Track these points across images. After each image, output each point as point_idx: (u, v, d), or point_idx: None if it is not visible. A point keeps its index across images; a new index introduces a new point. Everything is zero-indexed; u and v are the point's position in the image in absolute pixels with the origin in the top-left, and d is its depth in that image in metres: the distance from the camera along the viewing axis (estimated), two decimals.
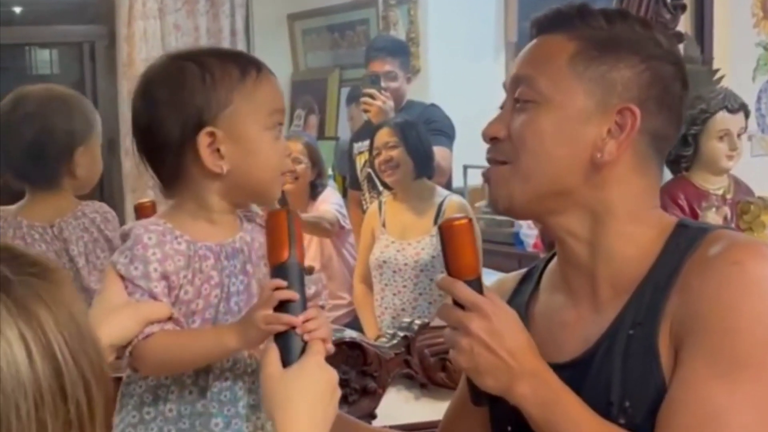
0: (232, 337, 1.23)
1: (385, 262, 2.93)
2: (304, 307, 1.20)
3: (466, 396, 1.38)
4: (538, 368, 1.19)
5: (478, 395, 1.25)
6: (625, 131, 1.20)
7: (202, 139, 1.28)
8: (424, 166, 3.00)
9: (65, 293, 0.80)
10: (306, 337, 1.18)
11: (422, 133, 3.07)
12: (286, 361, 1.16)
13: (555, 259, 1.34)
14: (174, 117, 1.28)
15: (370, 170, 3.28)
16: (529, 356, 1.19)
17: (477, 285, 1.22)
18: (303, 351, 1.17)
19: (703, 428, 1.10)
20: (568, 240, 1.26)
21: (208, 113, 1.28)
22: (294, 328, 1.18)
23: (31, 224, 2.01)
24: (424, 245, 2.88)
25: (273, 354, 1.17)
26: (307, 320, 1.19)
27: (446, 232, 1.23)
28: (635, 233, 1.23)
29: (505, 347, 1.18)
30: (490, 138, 1.27)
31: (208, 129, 1.28)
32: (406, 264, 2.88)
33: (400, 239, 2.96)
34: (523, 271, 1.43)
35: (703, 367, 1.12)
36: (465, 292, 1.21)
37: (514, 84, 1.26)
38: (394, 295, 2.91)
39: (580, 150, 1.21)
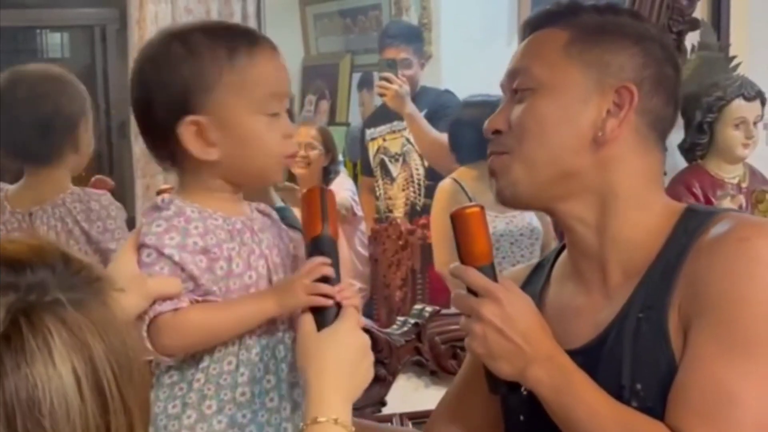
0: (271, 304, 1.23)
1: (502, 236, 2.90)
2: (339, 278, 1.23)
3: (468, 381, 1.37)
4: (551, 352, 1.19)
5: (495, 383, 1.24)
6: (624, 110, 1.21)
7: (186, 128, 1.20)
8: None
9: (115, 312, 0.78)
10: (344, 303, 1.21)
11: None
12: (321, 328, 1.20)
13: (565, 251, 1.34)
14: (160, 100, 1.21)
15: (383, 156, 3.26)
16: (542, 340, 1.19)
17: (490, 271, 1.22)
18: (335, 318, 1.21)
19: (713, 407, 1.10)
20: (577, 227, 1.26)
21: (193, 98, 1.20)
22: (331, 297, 1.22)
23: (13, 210, 1.99)
24: (529, 213, 2.82)
25: (308, 318, 1.20)
26: (341, 290, 1.23)
27: (458, 220, 1.23)
28: (643, 218, 1.23)
29: (518, 331, 1.18)
30: (492, 132, 1.27)
31: (191, 118, 1.20)
32: (522, 234, 2.85)
33: (501, 213, 2.93)
34: (534, 262, 1.43)
35: (711, 346, 1.11)
36: (476, 278, 1.21)
37: (510, 79, 1.27)
38: (513, 266, 2.90)
39: (580, 131, 1.22)
